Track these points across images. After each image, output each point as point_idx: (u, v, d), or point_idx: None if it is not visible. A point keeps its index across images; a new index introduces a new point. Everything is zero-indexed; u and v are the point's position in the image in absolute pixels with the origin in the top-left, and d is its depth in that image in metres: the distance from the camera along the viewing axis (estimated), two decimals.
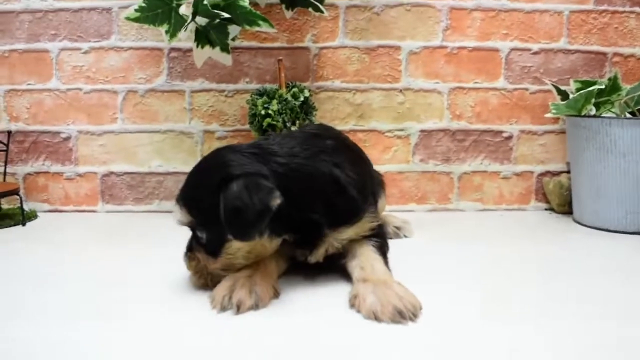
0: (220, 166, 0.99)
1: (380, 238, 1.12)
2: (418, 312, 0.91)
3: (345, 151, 1.15)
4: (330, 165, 1.05)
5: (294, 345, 0.82)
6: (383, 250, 1.10)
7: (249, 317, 0.93)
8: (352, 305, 0.96)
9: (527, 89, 1.77)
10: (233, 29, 1.53)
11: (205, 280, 1.04)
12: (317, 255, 1.08)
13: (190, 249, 1.07)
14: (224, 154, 1.02)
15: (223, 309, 0.94)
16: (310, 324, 0.90)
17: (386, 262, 1.07)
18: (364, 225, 1.09)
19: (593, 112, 1.62)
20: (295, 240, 1.06)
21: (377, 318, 0.90)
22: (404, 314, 0.89)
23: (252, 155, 1.00)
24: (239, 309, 0.94)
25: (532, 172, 1.80)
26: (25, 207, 1.76)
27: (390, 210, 1.65)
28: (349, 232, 1.07)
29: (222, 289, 0.98)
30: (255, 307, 0.95)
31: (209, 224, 0.99)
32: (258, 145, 1.04)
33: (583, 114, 1.58)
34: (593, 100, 1.56)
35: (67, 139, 1.78)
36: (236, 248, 1.00)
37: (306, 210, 1.02)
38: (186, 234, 1.09)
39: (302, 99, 1.54)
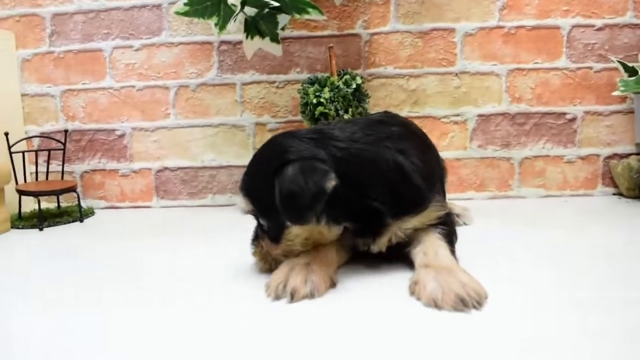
0: (277, 153, 0.97)
1: (447, 226, 1.06)
2: (483, 300, 0.86)
3: (412, 138, 1.10)
4: (393, 152, 1.00)
5: (345, 334, 0.78)
6: (450, 237, 1.05)
7: (303, 305, 0.90)
8: (412, 293, 0.91)
9: (591, 68, 1.68)
10: (282, 18, 1.51)
11: (270, 265, 1.04)
12: (380, 245, 1.03)
13: (256, 237, 1.08)
14: (281, 140, 1.00)
15: (277, 297, 0.92)
16: (365, 313, 0.86)
17: (452, 250, 1.02)
18: (430, 215, 1.04)
19: None
20: (357, 229, 1.02)
21: (437, 306, 0.85)
22: (467, 302, 0.84)
23: (310, 141, 0.97)
24: (292, 297, 0.91)
25: (598, 155, 1.71)
26: (83, 204, 1.79)
27: (448, 199, 1.58)
28: (413, 222, 1.02)
29: (277, 276, 0.95)
30: (311, 295, 0.92)
31: (269, 211, 0.98)
32: (318, 130, 1.01)
33: None
34: None
35: (122, 136, 1.80)
36: (295, 234, 0.98)
37: (367, 197, 0.97)
38: (243, 226, 1.09)
39: (354, 86, 1.51)
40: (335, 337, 0.77)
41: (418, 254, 0.99)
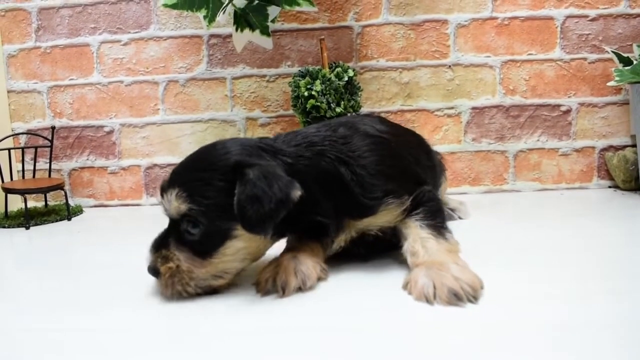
0: (229, 153, 0.90)
1: (429, 210, 1.00)
2: (478, 293, 0.83)
3: (364, 140, 1.02)
4: (335, 163, 0.95)
5: (332, 327, 0.77)
6: (435, 221, 0.99)
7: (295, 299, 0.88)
8: (405, 290, 0.89)
9: (585, 59, 1.66)
10: (272, 10, 1.48)
11: (181, 288, 0.88)
12: (339, 243, 1.00)
13: (161, 247, 0.90)
14: (230, 144, 0.93)
15: (267, 293, 0.89)
16: (356, 306, 0.84)
17: (442, 233, 0.97)
18: (386, 216, 0.98)
19: None
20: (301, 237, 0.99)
21: (429, 301, 0.83)
22: (461, 296, 0.81)
23: (260, 150, 0.92)
24: (284, 292, 0.88)
25: (593, 148, 1.69)
26: (71, 202, 1.76)
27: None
28: (366, 222, 0.98)
29: (265, 272, 0.93)
30: (303, 285, 0.90)
31: (212, 215, 0.86)
32: (264, 142, 0.95)
33: None
34: None
35: (110, 132, 1.77)
36: (237, 248, 0.89)
37: (311, 212, 0.94)
38: None
39: (346, 79, 1.48)
40: (321, 332, 0.74)
41: (407, 254, 0.95)
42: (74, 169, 1.79)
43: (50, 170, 1.72)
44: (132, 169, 1.78)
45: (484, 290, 0.85)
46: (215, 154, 0.91)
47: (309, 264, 0.92)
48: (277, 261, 0.94)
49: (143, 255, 0.90)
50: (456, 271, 0.86)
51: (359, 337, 0.72)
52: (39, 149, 1.73)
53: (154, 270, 0.89)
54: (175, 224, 0.90)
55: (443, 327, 0.74)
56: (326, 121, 1.14)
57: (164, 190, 0.90)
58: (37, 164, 1.73)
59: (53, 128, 1.73)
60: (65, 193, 1.63)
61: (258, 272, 0.94)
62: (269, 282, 0.90)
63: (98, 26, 1.74)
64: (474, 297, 0.82)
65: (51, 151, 1.71)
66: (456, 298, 0.81)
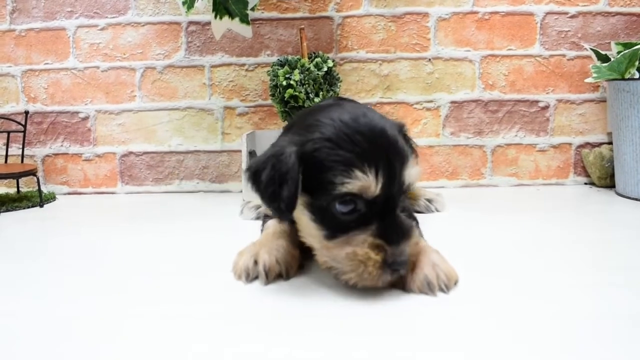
0: None
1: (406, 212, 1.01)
2: (452, 283, 0.83)
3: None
4: None
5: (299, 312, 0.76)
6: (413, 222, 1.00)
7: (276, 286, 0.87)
8: None
9: (564, 55, 1.67)
10: None
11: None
12: None
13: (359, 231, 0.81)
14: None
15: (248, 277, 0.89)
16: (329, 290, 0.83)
17: (420, 233, 0.97)
18: None
19: (637, 77, 1.51)
20: None
21: (404, 288, 0.82)
22: (433, 285, 0.81)
23: None
24: (267, 277, 0.87)
25: (570, 144, 1.70)
26: (45, 189, 1.73)
27: (420, 187, 1.56)
28: None
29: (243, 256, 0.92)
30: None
31: None
32: None
33: (626, 77, 1.48)
34: (637, 63, 1.46)
35: (85, 118, 1.74)
36: None
37: None
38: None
39: (325, 69, 1.47)
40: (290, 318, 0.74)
41: None
42: (47, 155, 1.76)
43: (23, 156, 1.69)
44: (107, 157, 1.75)
45: (457, 284, 0.84)
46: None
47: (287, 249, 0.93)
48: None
49: (116, 244, 0.88)
50: (436, 259, 0.85)
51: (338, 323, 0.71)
52: (11, 134, 1.69)
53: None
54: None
55: (417, 318, 0.74)
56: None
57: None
58: (9, 149, 1.70)
59: (27, 113, 1.69)
60: (38, 179, 1.60)
61: None
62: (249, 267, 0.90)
63: (75, 10, 1.71)
64: (446, 287, 0.82)
65: (24, 137, 1.68)
66: (428, 287, 0.81)
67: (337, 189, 0.77)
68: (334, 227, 0.80)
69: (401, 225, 0.80)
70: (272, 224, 0.99)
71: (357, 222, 0.79)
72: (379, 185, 0.77)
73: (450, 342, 0.65)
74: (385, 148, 0.79)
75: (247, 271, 0.88)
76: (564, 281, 0.86)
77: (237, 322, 0.72)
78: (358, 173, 0.76)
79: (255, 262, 0.89)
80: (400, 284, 0.82)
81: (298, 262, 0.92)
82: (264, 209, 1.04)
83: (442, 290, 0.81)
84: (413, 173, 0.82)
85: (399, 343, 0.65)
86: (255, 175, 0.83)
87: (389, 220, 0.80)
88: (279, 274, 0.88)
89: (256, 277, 0.88)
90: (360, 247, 0.78)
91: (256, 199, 1.07)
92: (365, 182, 0.76)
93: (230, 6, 1.47)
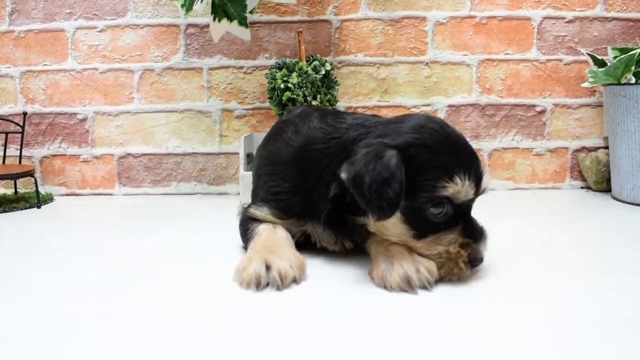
0: None
1: None
2: (433, 280, 0.84)
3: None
4: None
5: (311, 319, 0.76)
6: None
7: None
8: (371, 278, 0.89)
9: (561, 60, 1.67)
10: (251, 1, 1.47)
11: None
12: None
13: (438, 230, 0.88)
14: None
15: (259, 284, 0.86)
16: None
17: None
18: None
19: (633, 82, 1.52)
20: None
21: (385, 286, 0.84)
22: (413, 282, 0.82)
23: None
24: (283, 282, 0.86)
25: (567, 148, 1.71)
26: (42, 190, 1.73)
27: None
28: None
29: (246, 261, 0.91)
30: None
31: None
32: None
33: (623, 82, 1.48)
34: (633, 68, 1.47)
35: (84, 120, 1.74)
36: None
37: None
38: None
39: (323, 72, 1.47)
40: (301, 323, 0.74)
41: (372, 244, 0.96)
42: (45, 157, 1.77)
43: (20, 156, 1.69)
44: (105, 158, 1.75)
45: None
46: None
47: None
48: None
49: (113, 245, 0.88)
50: (418, 256, 0.87)
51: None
52: (9, 135, 1.70)
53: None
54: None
55: (417, 318, 0.74)
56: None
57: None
58: (7, 150, 1.70)
59: (25, 114, 1.69)
60: (36, 180, 1.60)
61: None
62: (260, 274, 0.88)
63: (74, 11, 1.71)
64: (428, 283, 0.83)
65: (22, 137, 1.68)
66: (408, 284, 0.82)
67: (437, 192, 0.83)
68: (425, 228, 0.86)
69: (478, 225, 0.89)
70: (266, 228, 1.00)
71: (446, 223, 0.86)
72: (472, 190, 0.86)
73: (446, 343, 0.66)
74: (471, 155, 0.88)
75: (257, 278, 0.85)
76: (559, 284, 0.87)
77: (237, 323, 0.73)
78: (457, 179, 0.83)
79: (267, 268, 0.86)
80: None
81: (305, 265, 0.92)
82: (253, 213, 1.04)
83: (424, 286, 0.83)
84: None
85: (399, 343, 0.66)
86: (356, 179, 0.83)
87: (469, 221, 0.88)
88: (293, 280, 0.87)
89: (267, 285, 0.85)
90: (452, 246, 0.86)
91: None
92: (461, 187, 0.84)
93: (229, 9, 1.47)
